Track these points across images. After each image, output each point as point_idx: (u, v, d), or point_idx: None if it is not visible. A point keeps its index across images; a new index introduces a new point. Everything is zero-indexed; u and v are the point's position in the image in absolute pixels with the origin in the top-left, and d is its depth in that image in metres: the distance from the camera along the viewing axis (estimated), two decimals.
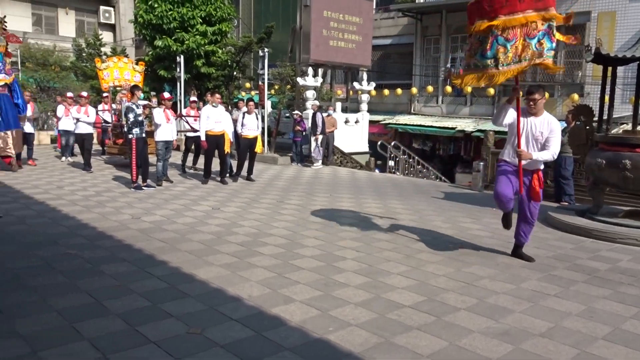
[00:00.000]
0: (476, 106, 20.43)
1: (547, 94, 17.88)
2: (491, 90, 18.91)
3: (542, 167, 5.26)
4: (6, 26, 10.06)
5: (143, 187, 8.93)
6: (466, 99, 20.60)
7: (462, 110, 20.75)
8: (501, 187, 5.17)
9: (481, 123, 19.13)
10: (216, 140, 9.76)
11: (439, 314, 3.86)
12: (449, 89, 20.41)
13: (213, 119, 9.65)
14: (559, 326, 3.70)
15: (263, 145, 14.70)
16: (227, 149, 9.94)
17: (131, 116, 8.75)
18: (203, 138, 9.65)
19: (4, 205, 7.14)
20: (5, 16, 10.63)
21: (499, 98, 19.46)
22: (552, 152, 5.06)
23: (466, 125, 19.40)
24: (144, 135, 8.93)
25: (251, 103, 10.51)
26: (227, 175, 10.32)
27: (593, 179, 7.27)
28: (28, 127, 11.52)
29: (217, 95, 10.09)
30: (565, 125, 9.22)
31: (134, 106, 8.80)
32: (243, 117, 10.30)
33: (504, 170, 5.24)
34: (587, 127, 7.54)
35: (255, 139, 10.51)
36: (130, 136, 8.83)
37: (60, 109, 12.27)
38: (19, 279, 4.32)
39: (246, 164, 10.58)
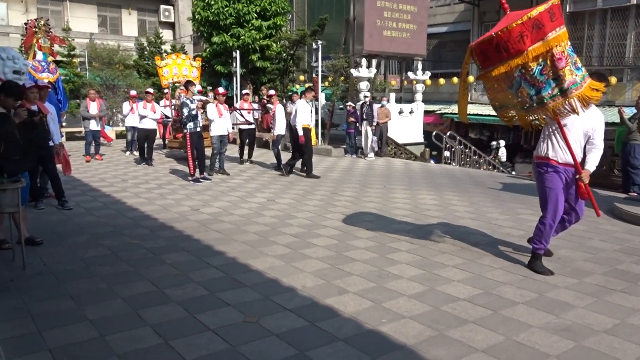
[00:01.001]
0: None
1: (614, 79, 16.96)
2: None
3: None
4: (50, 28, 10.70)
5: (200, 180, 9.20)
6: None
7: None
8: (559, 206, 4.53)
9: None
10: (307, 134, 10.11)
11: (495, 307, 3.78)
12: None
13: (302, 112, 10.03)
14: (625, 323, 3.53)
15: (317, 137, 14.79)
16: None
17: (185, 111, 9.04)
18: (301, 133, 9.93)
19: (75, 198, 7.57)
20: (48, 19, 11.29)
21: None
22: (601, 151, 4.47)
23: None
24: (198, 129, 9.20)
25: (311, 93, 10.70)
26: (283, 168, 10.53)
27: None
28: (93, 125, 11.99)
29: (312, 93, 10.43)
30: (635, 111, 8.72)
31: (188, 101, 9.09)
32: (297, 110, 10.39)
33: (555, 180, 4.50)
34: None
35: (310, 130, 10.59)
36: (185, 130, 9.13)
37: (126, 106, 12.78)
38: (88, 268, 4.59)
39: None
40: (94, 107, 12.04)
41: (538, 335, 3.34)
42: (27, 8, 24.86)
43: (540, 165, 4.61)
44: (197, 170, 9.24)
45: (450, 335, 3.32)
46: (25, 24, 10.44)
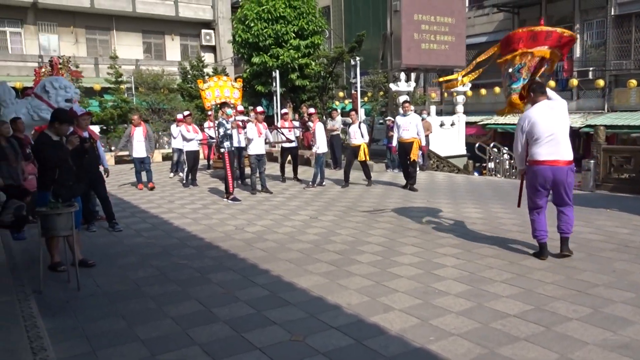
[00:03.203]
0: (584, 100, 19.05)
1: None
2: (600, 82, 17.55)
3: None
4: (70, 65, 11.70)
5: (238, 199, 9.34)
6: (572, 93, 19.30)
7: (568, 104, 19.38)
8: None
9: (590, 118, 17.83)
10: (404, 147, 10.28)
11: (548, 324, 3.65)
12: (552, 83, 19.24)
13: (402, 127, 10.28)
14: None
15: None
16: (413, 156, 10.26)
17: (221, 131, 9.28)
18: (394, 144, 10.42)
19: (124, 220, 7.82)
20: (70, 57, 12.21)
21: (609, 90, 18.01)
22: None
23: (573, 120, 18.14)
24: (233, 148, 9.44)
25: (353, 113, 11.03)
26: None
27: None
28: (138, 152, 10.94)
29: (407, 105, 10.68)
30: None
31: (223, 121, 9.34)
32: (348, 127, 10.65)
33: None
34: None
35: (359, 147, 10.72)
36: (222, 150, 9.34)
37: (175, 130, 13.12)
38: (139, 288, 4.72)
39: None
40: (139, 133, 10.99)
41: (595, 352, 3.20)
42: (77, 39, 26.11)
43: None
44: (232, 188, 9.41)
45: (501, 353, 3.23)
46: (50, 60, 11.19)
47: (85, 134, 6.79)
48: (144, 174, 11.24)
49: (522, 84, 5.43)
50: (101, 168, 7.34)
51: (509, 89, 5.57)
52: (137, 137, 10.98)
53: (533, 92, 5.15)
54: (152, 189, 11.12)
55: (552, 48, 5.38)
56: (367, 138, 10.83)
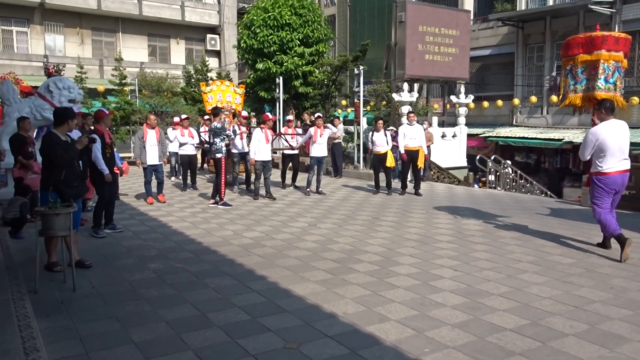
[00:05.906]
0: (586, 115, 19.00)
1: None
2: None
3: None
4: (16, 77, 12.57)
5: (229, 204, 9.43)
6: (573, 108, 19.29)
7: (569, 120, 19.47)
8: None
9: None
10: (412, 155, 10.82)
11: (544, 339, 3.63)
12: (554, 98, 19.26)
13: (409, 135, 10.83)
14: None
15: (358, 162, 14.81)
16: (420, 163, 10.98)
17: (221, 137, 9.33)
18: (402, 151, 10.79)
19: (123, 222, 7.81)
20: (15, 72, 13.23)
21: None
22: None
23: (575, 135, 18.17)
24: (236, 151, 9.61)
25: (380, 121, 11.17)
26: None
27: None
28: (152, 158, 9.37)
29: (412, 115, 11.29)
30: None
31: (219, 125, 9.40)
32: (372, 135, 11.04)
33: None
34: None
35: (386, 154, 10.96)
36: (218, 155, 9.33)
37: (172, 133, 13.14)
38: (135, 290, 4.70)
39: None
40: (152, 137, 9.36)
41: None
42: (83, 40, 26.20)
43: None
44: (216, 193, 9.52)
45: None
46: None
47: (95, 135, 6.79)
48: (153, 185, 9.83)
49: (585, 85, 6.96)
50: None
51: (575, 87, 7.12)
52: (150, 140, 9.32)
53: (605, 110, 5.83)
54: (152, 202, 9.71)
55: (609, 51, 6.67)
56: (391, 144, 11.11)
